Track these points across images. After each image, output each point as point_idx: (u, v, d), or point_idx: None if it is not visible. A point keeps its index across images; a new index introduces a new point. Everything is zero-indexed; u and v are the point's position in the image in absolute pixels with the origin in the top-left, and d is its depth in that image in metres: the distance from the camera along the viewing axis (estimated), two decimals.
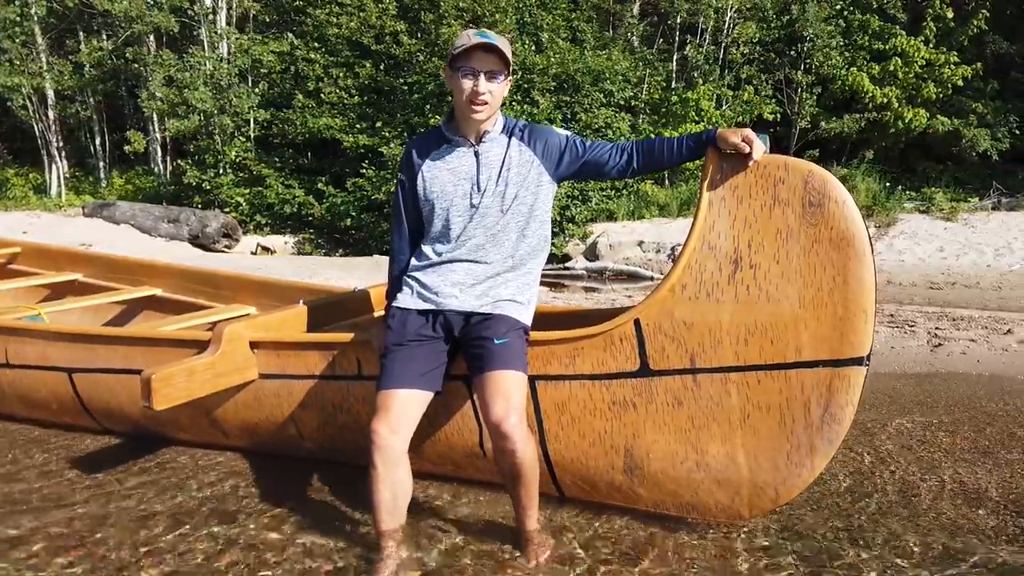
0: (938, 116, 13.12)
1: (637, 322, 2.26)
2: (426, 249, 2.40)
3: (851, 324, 2.05)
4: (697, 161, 2.30)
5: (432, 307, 2.33)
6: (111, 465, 3.02)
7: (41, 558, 2.27)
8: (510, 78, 2.33)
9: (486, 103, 2.25)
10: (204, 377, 2.67)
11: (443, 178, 2.35)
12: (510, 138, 2.36)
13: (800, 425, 2.14)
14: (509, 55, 2.25)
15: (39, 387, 3.37)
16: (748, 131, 2.16)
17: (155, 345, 3.01)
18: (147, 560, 2.25)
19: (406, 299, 2.38)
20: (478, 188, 2.32)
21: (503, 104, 2.39)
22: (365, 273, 8.60)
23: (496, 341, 2.24)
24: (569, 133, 2.44)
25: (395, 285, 2.47)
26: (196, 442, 3.19)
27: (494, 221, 2.32)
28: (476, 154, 2.34)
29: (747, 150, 2.13)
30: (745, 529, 2.38)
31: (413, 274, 2.40)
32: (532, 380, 2.37)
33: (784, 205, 2.10)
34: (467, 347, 2.32)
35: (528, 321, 2.38)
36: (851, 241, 2.04)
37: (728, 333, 2.16)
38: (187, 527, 2.46)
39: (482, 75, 2.23)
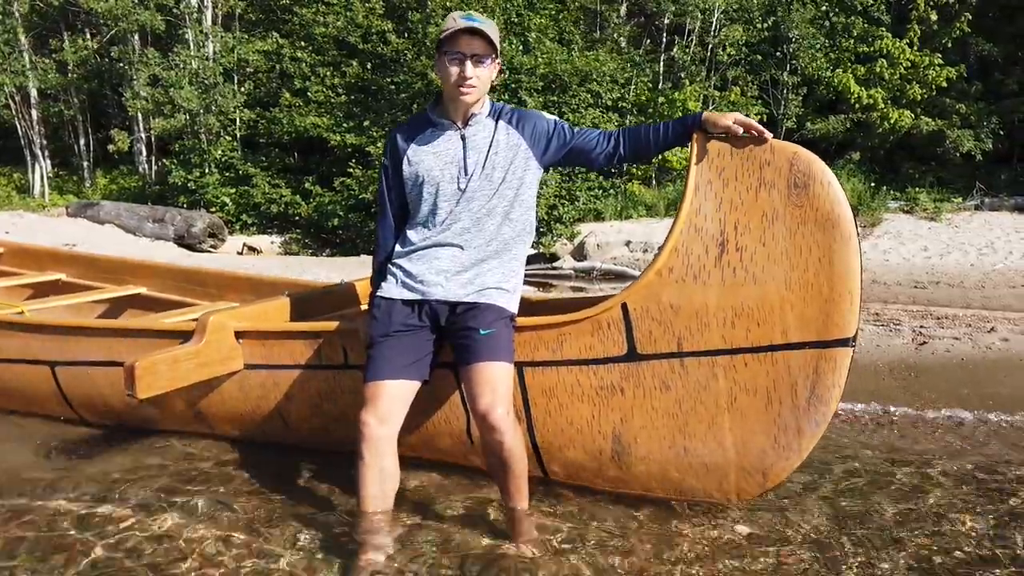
0: (922, 117, 13.24)
1: (624, 306, 2.25)
2: (411, 234, 2.37)
3: (837, 305, 2.06)
4: (684, 162, 2.30)
5: (418, 297, 2.31)
6: (92, 455, 2.99)
7: (26, 549, 2.24)
8: (498, 62, 2.31)
9: (473, 87, 2.23)
10: (188, 366, 2.64)
11: (429, 162, 2.33)
12: (497, 121, 2.35)
13: (787, 407, 2.15)
14: (496, 39, 2.23)
15: (21, 381, 3.33)
16: (739, 115, 2.16)
17: (138, 336, 2.98)
18: (131, 549, 2.23)
19: (391, 288, 2.35)
20: (465, 172, 2.31)
21: (491, 89, 2.38)
22: (352, 272, 8.56)
23: (482, 331, 2.23)
24: (556, 118, 2.43)
25: (380, 273, 2.45)
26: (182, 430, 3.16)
27: (480, 205, 2.31)
28: (463, 137, 2.32)
29: (740, 132, 2.14)
30: (733, 512, 2.38)
31: (397, 261, 2.38)
32: (520, 366, 2.36)
33: (770, 187, 2.10)
34: (453, 337, 2.31)
35: (514, 308, 2.36)
36: (836, 222, 2.05)
37: (715, 316, 2.16)
38: (172, 515, 2.43)
39: (469, 59, 2.21)
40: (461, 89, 2.23)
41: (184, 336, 2.79)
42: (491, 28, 2.23)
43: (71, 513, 2.46)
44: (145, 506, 2.51)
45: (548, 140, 2.37)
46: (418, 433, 2.58)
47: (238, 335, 2.81)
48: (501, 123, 2.35)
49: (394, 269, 2.38)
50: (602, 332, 2.28)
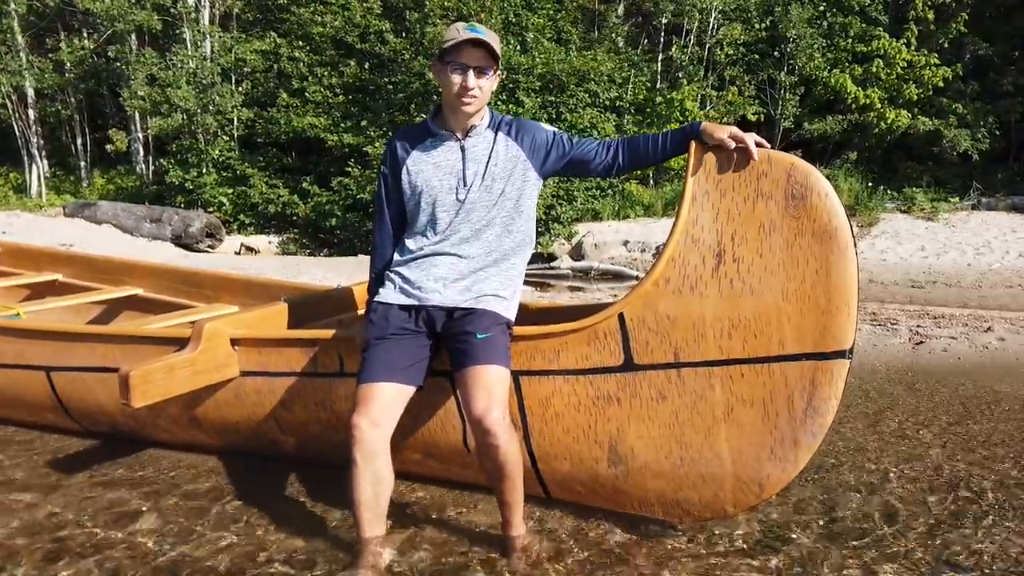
0: (919, 117, 13.25)
1: (621, 316, 2.25)
2: (409, 243, 2.37)
3: (834, 317, 2.05)
4: (682, 162, 2.30)
5: (415, 302, 2.31)
6: (89, 467, 2.98)
7: (17, 562, 2.23)
8: (499, 73, 2.32)
9: (475, 97, 2.23)
10: (183, 374, 2.63)
11: (428, 172, 2.32)
12: (496, 132, 2.34)
13: (783, 419, 2.14)
14: (499, 50, 2.24)
15: (16, 386, 3.32)
16: (735, 129, 2.15)
17: (135, 343, 2.96)
18: (128, 560, 2.22)
19: (388, 294, 2.35)
20: (464, 183, 2.30)
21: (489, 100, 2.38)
22: (350, 272, 8.55)
23: (479, 336, 2.22)
24: (555, 129, 2.43)
25: (377, 279, 2.45)
26: (176, 444, 3.15)
27: (480, 216, 2.30)
28: (462, 148, 2.32)
29: (731, 146, 2.13)
30: (729, 526, 2.38)
31: (396, 268, 2.38)
32: (516, 375, 2.35)
33: (767, 198, 2.09)
34: (450, 342, 2.30)
35: (511, 316, 2.36)
36: (834, 234, 2.04)
37: (712, 327, 2.15)
38: (166, 531, 2.43)
39: (471, 71, 2.21)
40: (462, 100, 2.23)
41: (180, 343, 2.78)
42: (494, 39, 2.23)
43: (66, 523, 2.45)
44: (143, 517, 2.50)
45: (547, 151, 2.37)
46: (414, 443, 2.58)
47: (234, 342, 2.80)
48: (500, 135, 2.34)
49: (392, 276, 2.38)
50: (599, 342, 2.28)
